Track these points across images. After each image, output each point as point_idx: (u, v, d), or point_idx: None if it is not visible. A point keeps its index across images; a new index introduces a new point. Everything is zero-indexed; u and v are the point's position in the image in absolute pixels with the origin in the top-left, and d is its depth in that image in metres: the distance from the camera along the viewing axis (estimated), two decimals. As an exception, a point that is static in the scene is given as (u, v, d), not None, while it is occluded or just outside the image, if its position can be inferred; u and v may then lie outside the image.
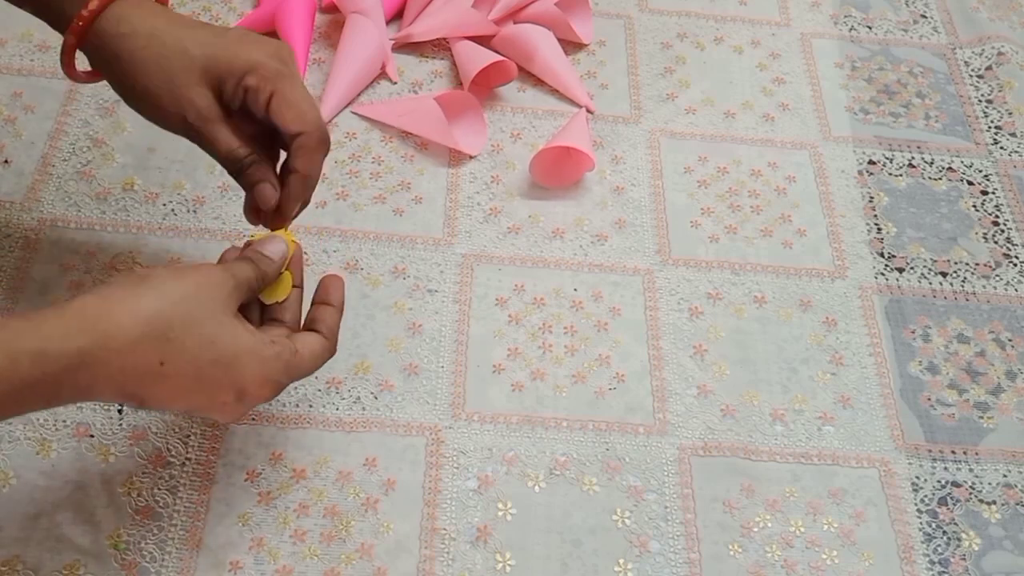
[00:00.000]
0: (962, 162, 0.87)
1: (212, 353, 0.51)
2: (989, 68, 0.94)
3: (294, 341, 0.56)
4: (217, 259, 0.60)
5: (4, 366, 0.46)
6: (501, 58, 0.83)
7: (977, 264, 0.81)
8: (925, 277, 0.79)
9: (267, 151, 0.60)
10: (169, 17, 0.58)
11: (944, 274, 0.80)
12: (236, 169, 0.59)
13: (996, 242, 0.82)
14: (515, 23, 0.89)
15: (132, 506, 0.62)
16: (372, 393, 0.69)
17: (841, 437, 0.70)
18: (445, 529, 0.64)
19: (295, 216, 0.61)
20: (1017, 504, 0.69)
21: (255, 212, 0.61)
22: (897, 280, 0.79)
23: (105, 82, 0.60)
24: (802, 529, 0.66)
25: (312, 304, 0.60)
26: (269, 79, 0.57)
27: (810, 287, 0.78)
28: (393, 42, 0.89)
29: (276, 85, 0.57)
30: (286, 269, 0.60)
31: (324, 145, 0.59)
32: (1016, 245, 0.82)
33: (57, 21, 0.58)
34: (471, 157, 0.82)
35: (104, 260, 0.73)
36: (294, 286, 0.60)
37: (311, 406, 0.68)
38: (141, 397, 0.50)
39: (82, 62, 0.59)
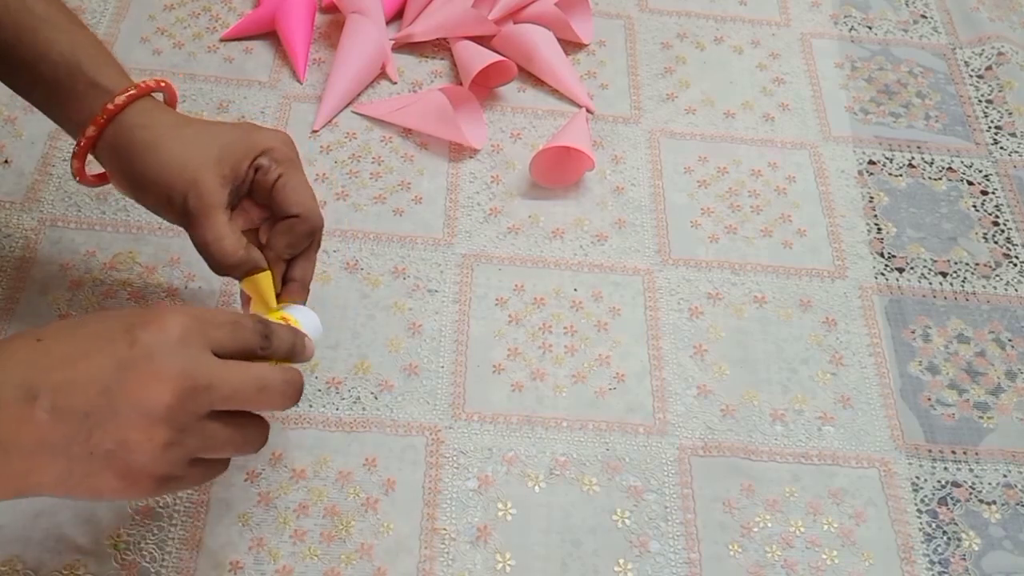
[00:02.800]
0: (962, 162, 0.87)
1: (81, 321, 0.49)
2: (989, 68, 0.94)
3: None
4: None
5: None
6: (501, 58, 0.83)
7: (977, 264, 0.81)
8: (925, 277, 0.79)
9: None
10: (188, 118, 0.61)
11: (944, 274, 0.80)
12: (212, 265, 0.58)
13: (996, 242, 0.82)
14: (515, 23, 0.89)
15: (132, 506, 0.62)
16: (372, 393, 0.69)
17: (841, 437, 0.70)
18: (445, 529, 0.64)
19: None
20: (1017, 504, 0.69)
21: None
22: (897, 280, 0.79)
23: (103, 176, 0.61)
24: (802, 529, 0.66)
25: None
26: (280, 162, 0.59)
27: (810, 287, 0.78)
28: (393, 42, 0.89)
29: (285, 168, 0.59)
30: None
31: (316, 233, 0.60)
32: (1016, 245, 0.82)
33: (74, 118, 0.59)
34: (471, 157, 0.82)
35: (104, 260, 0.73)
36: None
37: (311, 406, 0.68)
38: (42, 384, 0.45)
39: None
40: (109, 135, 0.59)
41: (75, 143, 0.59)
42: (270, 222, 0.61)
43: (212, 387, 0.47)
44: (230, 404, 0.49)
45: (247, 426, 0.51)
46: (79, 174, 0.61)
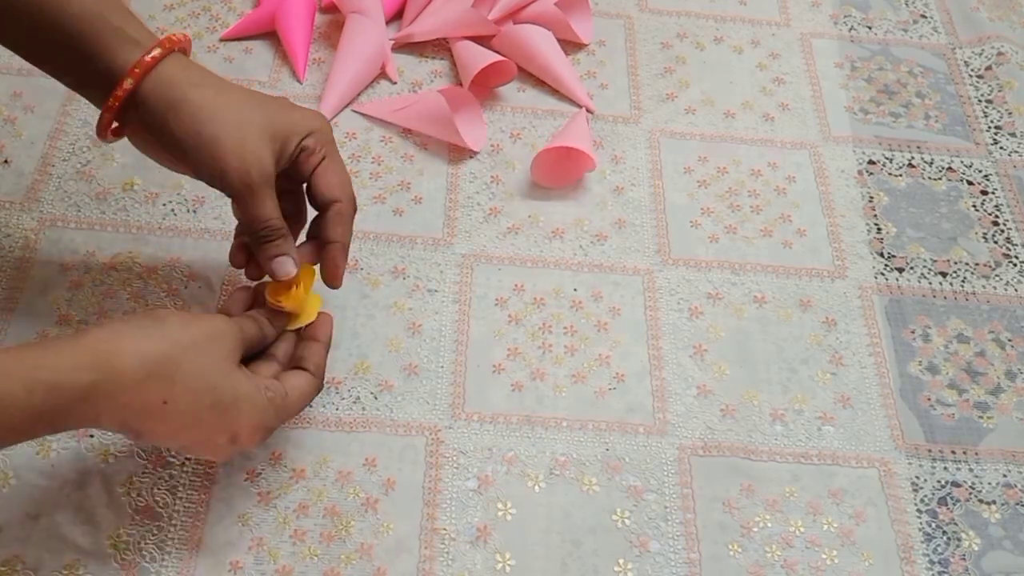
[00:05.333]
0: (962, 162, 0.87)
1: (212, 398, 0.54)
2: (989, 68, 0.94)
3: (284, 383, 0.59)
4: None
5: (21, 396, 0.48)
6: (501, 58, 0.83)
7: (977, 264, 0.81)
8: (925, 277, 0.79)
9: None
10: (217, 76, 0.60)
11: (944, 274, 0.80)
12: (261, 236, 0.59)
13: (996, 242, 0.82)
14: (515, 23, 0.89)
15: (132, 506, 0.62)
16: (372, 393, 0.69)
17: (841, 437, 0.70)
18: (445, 529, 0.64)
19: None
20: (1017, 504, 0.69)
21: (242, 260, 0.63)
22: (897, 280, 0.79)
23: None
24: (802, 529, 0.66)
25: (300, 339, 0.62)
26: (323, 144, 0.60)
27: (810, 287, 0.78)
28: (393, 42, 0.89)
29: (328, 150, 0.61)
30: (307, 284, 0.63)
31: (354, 213, 0.63)
32: (1016, 245, 0.82)
33: (104, 71, 0.57)
34: (471, 157, 0.82)
35: (104, 260, 0.73)
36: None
37: (311, 406, 0.68)
38: (140, 431, 0.53)
39: None
40: (146, 90, 0.57)
41: (108, 97, 0.57)
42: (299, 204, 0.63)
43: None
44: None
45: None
46: (105, 130, 0.59)
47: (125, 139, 0.62)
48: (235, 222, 0.63)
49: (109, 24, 0.57)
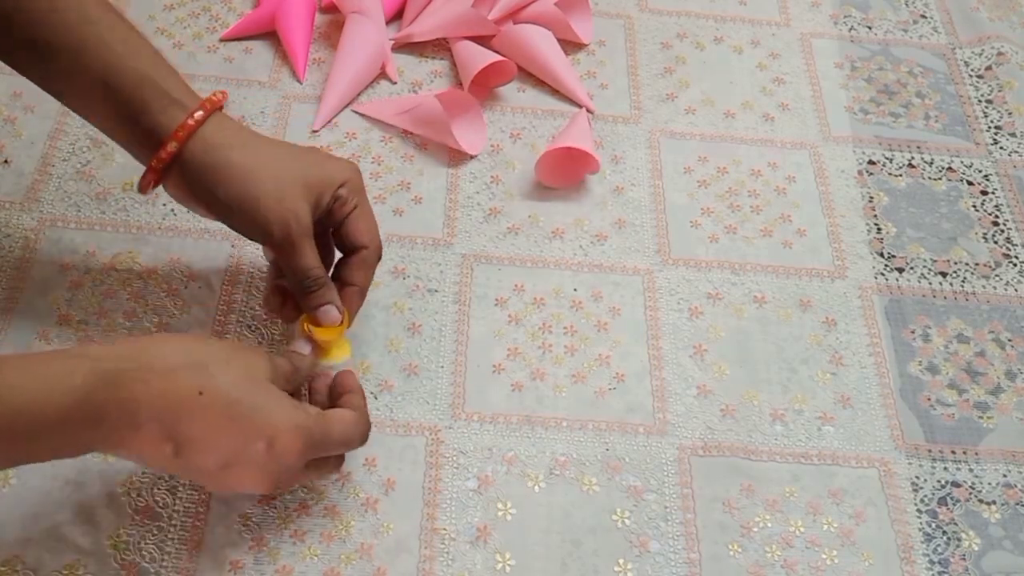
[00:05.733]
0: (962, 162, 0.87)
1: (246, 392, 0.54)
2: (989, 68, 0.94)
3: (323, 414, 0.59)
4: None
5: (62, 376, 0.49)
6: (501, 58, 0.83)
7: (977, 264, 0.81)
8: (925, 277, 0.79)
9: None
10: (256, 133, 0.63)
11: (944, 274, 0.80)
12: (306, 286, 0.62)
13: (996, 242, 0.82)
14: (515, 23, 0.89)
15: (132, 506, 0.62)
16: (372, 393, 0.69)
17: (841, 437, 0.70)
18: (445, 529, 0.64)
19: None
20: (1017, 504, 0.69)
21: (277, 304, 0.65)
22: (897, 280, 0.79)
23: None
24: (802, 529, 0.66)
25: (334, 397, 0.62)
26: (355, 192, 0.63)
27: (810, 287, 0.78)
28: (393, 42, 0.89)
29: (359, 199, 0.64)
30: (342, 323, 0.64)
31: (379, 260, 0.66)
32: (1016, 245, 0.82)
33: (148, 132, 0.59)
34: (471, 157, 0.82)
35: (104, 260, 0.73)
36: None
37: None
38: (180, 434, 0.52)
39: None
40: (190, 151, 0.59)
41: (151, 154, 0.59)
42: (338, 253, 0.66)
43: (291, 484, 0.61)
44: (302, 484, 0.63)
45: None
46: (147, 188, 0.61)
47: None
48: None
49: (156, 86, 0.59)
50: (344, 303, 0.64)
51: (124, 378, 0.50)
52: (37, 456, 0.51)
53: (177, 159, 0.59)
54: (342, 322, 0.63)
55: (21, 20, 0.58)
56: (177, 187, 0.61)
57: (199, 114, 0.59)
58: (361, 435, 0.59)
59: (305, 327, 0.63)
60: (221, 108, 0.61)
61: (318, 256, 0.62)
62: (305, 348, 0.62)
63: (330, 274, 0.66)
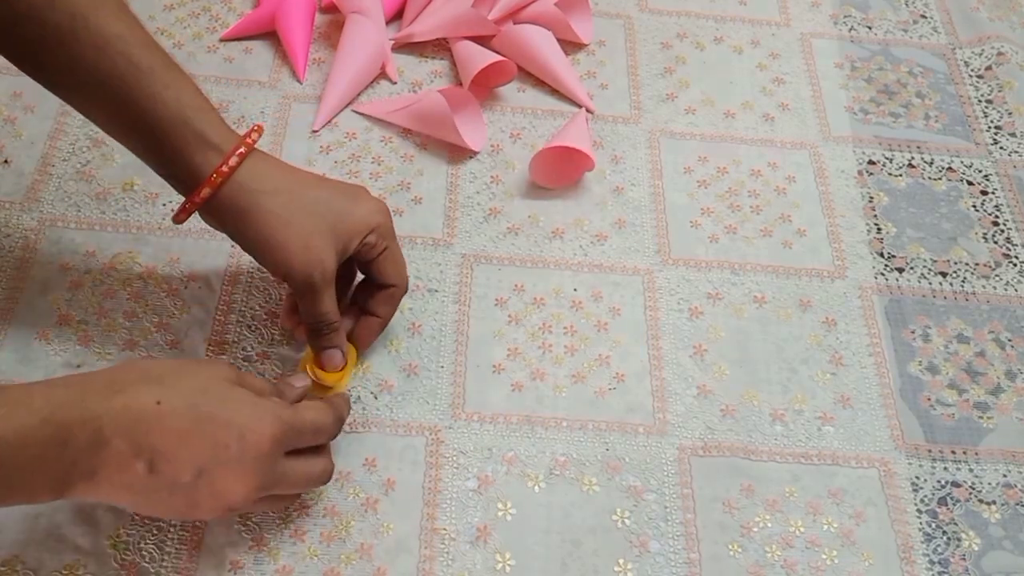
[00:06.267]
0: (962, 162, 0.87)
1: (205, 395, 0.54)
2: (989, 68, 0.94)
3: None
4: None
5: (20, 399, 0.49)
6: (501, 58, 0.83)
7: (977, 264, 0.81)
8: (925, 277, 0.79)
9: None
10: (293, 173, 0.63)
11: (944, 274, 0.80)
12: (318, 328, 0.63)
13: (996, 242, 0.82)
14: (515, 23, 0.89)
15: (132, 506, 0.62)
16: (372, 393, 0.69)
17: (841, 437, 0.70)
18: (445, 529, 0.64)
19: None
20: (1017, 504, 0.69)
21: (293, 324, 0.67)
22: (897, 280, 0.79)
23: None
24: (802, 529, 0.66)
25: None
26: (385, 237, 0.65)
27: (810, 287, 0.78)
28: (393, 42, 0.89)
29: (389, 243, 0.65)
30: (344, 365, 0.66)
31: (404, 294, 0.68)
32: (1016, 245, 0.82)
33: (182, 174, 0.61)
34: (471, 157, 0.82)
35: (104, 260, 0.73)
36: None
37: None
38: (148, 447, 0.51)
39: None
40: (223, 196, 0.60)
41: (185, 190, 0.61)
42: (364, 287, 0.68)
43: (280, 483, 0.57)
44: (294, 487, 0.59)
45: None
46: (181, 221, 0.63)
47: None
48: None
49: (192, 128, 0.60)
50: (362, 330, 0.67)
51: (82, 397, 0.50)
52: (10, 492, 0.50)
53: (213, 203, 0.61)
54: (344, 367, 0.65)
55: (76, 66, 0.59)
56: (207, 218, 0.63)
57: (233, 160, 0.60)
58: (335, 421, 0.60)
59: (308, 369, 0.64)
60: (255, 144, 0.62)
61: (335, 302, 0.63)
62: (302, 381, 0.63)
63: (350, 295, 0.69)
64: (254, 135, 0.62)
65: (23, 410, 0.48)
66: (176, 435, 0.52)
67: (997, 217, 0.83)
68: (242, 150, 0.60)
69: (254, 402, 0.55)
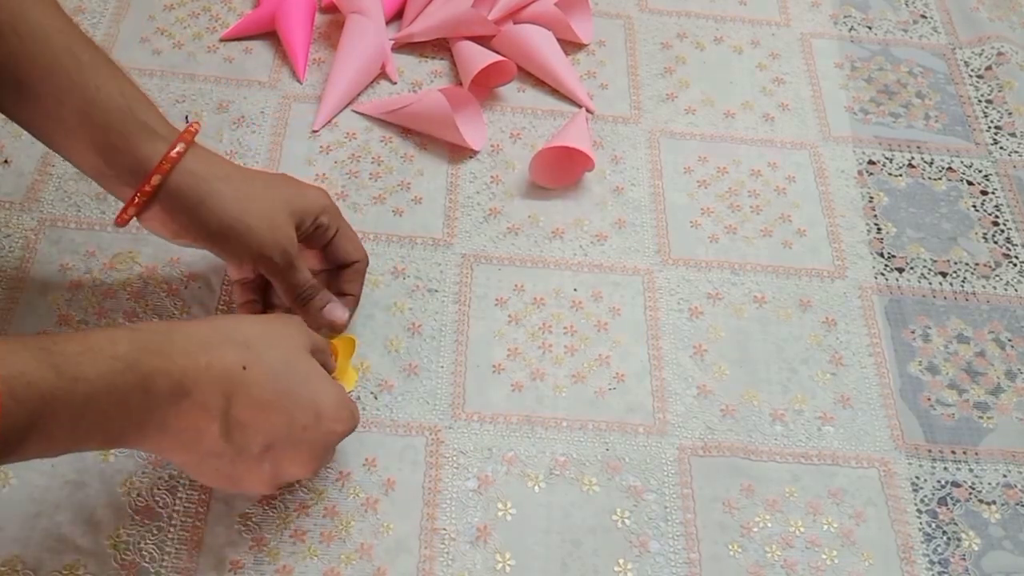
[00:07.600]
0: (962, 162, 0.87)
1: (288, 367, 0.55)
2: (989, 68, 0.94)
3: None
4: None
5: (104, 344, 0.49)
6: (501, 58, 0.83)
7: (977, 264, 0.81)
8: (925, 277, 0.79)
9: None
10: (231, 162, 0.64)
11: (944, 274, 0.80)
12: (302, 296, 0.65)
13: (996, 242, 0.82)
14: (515, 23, 0.89)
15: (132, 506, 0.62)
16: (372, 393, 0.69)
17: (841, 437, 0.70)
18: (445, 529, 0.64)
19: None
20: (1017, 504, 0.69)
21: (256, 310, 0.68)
22: (897, 280, 0.79)
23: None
24: (802, 529, 0.66)
25: None
26: (335, 217, 0.66)
27: (810, 287, 0.78)
28: (393, 42, 0.89)
29: (339, 223, 0.67)
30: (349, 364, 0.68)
31: (366, 268, 0.70)
32: (1016, 245, 0.82)
33: (129, 164, 0.60)
34: (471, 157, 0.82)
35: (104, 260, 0.73)
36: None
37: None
38: (228, 413, 0.52)
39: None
40: (174, 183, 0.60)
41: (131, 186, 0.60)
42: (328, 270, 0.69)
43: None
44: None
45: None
46: (125, 220, 0.61)
47: None
48: None
49: (135, 118, 0.59)
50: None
51: (169, 348, 0.51)
52: (90, 436, 0.49)
53: (159, 191, 0.60)
54: (336, 354, 0.65)
55: (19, 62, 0.58)
56: (155, 218, 0.62)
57: (181, 146, 0.59)
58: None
59: None
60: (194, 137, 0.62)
61: (308, 271, 0.65)
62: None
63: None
64: (195, 126, 0.61)
65: (107, 355, 0.48)
66: (257, 405, 0.53)
67: (997, 217, 0.83)
68: (187, 138, 0.60)
69: (334, 384, 0.58)
